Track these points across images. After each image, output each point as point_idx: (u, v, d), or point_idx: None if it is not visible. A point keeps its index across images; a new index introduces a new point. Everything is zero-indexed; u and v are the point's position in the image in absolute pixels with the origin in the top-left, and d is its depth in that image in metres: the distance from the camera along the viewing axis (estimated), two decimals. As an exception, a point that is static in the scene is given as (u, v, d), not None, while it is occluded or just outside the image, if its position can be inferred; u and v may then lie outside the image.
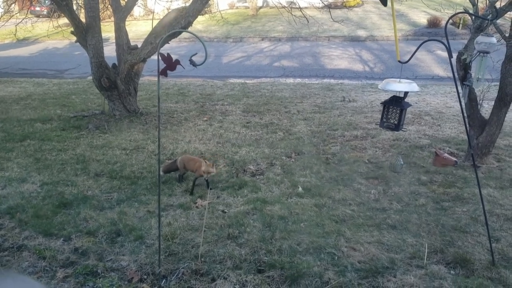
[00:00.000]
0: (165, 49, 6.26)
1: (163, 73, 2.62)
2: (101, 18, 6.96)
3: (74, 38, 6.85)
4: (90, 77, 9.49)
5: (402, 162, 3.85)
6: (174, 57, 2.63)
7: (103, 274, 2.73)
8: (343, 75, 10.65)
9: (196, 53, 2.71)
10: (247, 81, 10.20)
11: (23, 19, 10.01)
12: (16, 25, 9.32)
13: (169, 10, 7.76)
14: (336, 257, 2.89)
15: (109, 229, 3.26)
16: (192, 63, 2.66)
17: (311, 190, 3.95)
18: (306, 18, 8.07)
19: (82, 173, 4.39)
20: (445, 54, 11.70)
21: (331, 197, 3.80)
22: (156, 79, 10.29)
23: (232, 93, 8.62)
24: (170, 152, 5.03)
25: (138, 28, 17.75)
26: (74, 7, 7.72)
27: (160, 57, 2.62)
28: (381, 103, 3.07)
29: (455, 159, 4.58)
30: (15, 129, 6.17)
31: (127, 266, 2.81)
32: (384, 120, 2.91)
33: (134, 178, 4.28)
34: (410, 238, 3.12)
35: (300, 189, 3.97)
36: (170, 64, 2.61)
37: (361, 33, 16.03)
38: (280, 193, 3.92)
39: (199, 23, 17.66)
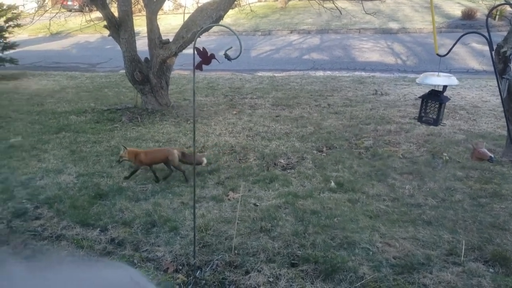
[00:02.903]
0: (197, 42, 6.30)
1: (198, 67, 2.63)
2: (132, 12, 7.04)
3: (105, 32, 6.96)
4: (122, 71, 9.65)
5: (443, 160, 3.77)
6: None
7: (139, 264, 2.79)
8: (374, 68, 10.49)
9: (231, 47, 2.71)
10: (276, 74, 10.17)
11: (56, 14, 10.24)
12: (50, 20, 9.55)
13: (199, 4, 7.79)
14: (371, 253, 2.86)
15: (144, 220, 3.32)
16: (227, 57, 2.66)
17: (344, 185, 3.91)
18: (339, 10, 7.97)
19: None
20: (480, 46, 11.38)
21: (365, 192, 3.76)
22: (186, 73, 10.39)
23: (261, 87, 8.61)
24: (201, 145, 5.08)
25: (168, 22, 17.90)
26: (107, 1, 7.84)
27: (195, 52, 2.63)
28: (419, 97, 3.02)
29: (491, 154, 4.45)
30: (50, 121, 6.34)
31: (163, 257, 2.86)
32: (423, 114, 2.86)
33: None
34: (446, 235, 3.06)
35: (332, 184, 3.94)
36: (205, 58, 2.62)
37: (393, 25, 15.73)
38: (312, 187, 3.90)
39: (228, 17, 17.63)
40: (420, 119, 2.92)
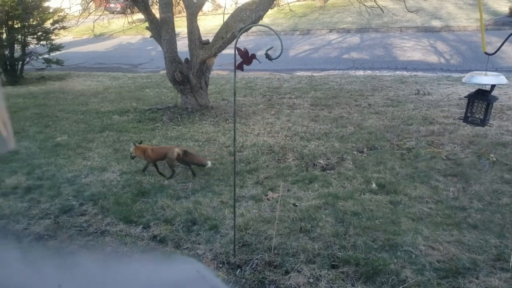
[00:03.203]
0: (234, 43, 6.35)
1: (239, 67, 2.64)
2: (173, 13, 7.16)
3: (147, 33, 7.11)
4: (163, 71, 9.84)
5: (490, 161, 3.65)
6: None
7: (180, 261, 2.84)
8: (416, 67, 10.24)
9: (272, 47, 2.71)
10: (315, 74, 10.10)
11: (100, 16, 10.56)
12: (94, 22, 9.86)
13: (237, 4, 7.84)
14: (414, 256, 2.80)
15: (185, 217, 3.37)
16: (268, 57, 2.66)
17: (386, 187, 3.84)
18: (381, 8, 7.82)
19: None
20: (529, 44, 10.90)
21: (407, 194, 3.68)
22: (224, 73, 10.48)
23: (300, 86, 8.57)
24: (240, 145, 5.10)
25: (207, 23, 18.11)
26: (149, 3, 8.00)
27: (236, 52, 2.64)
28: (465, 97, 2.92)
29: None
30: (94, 120, 6.54)
31: (203, 255, 2.89)
32: (469, 115, 2.77)
33: (207, 168, 4.39)
34: (493, 239, 2.94)
35: (374, 185, 3.87)
36: (246, 59, 2.63)
37: (436, 23, 15.31)
38: (353, 188, 3.85)
39: (266, 16, 17.61)
40: (466, 119, 2.83)
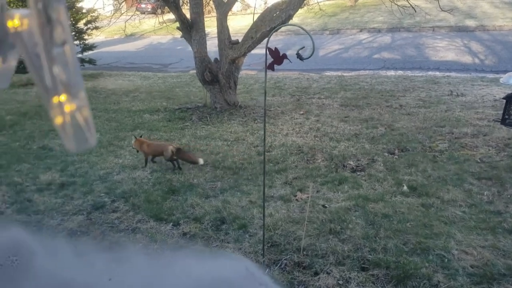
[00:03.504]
0: (263, 43, 6.34)
1: (270, 67, 2.64)
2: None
3: (177, 33, 7.19)
4: (192, 71, 9.93)
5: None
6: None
7: (209, 260, 2.86)
8: (449, 68, 10.00)
9: (303, 47, 2.70)
10: (345, 74, 9.99)
11: (131, 16, 10.74)
12: (125, 22, 10.03)
13: (266, 4, 7.84)
14: (446, 260, 2.73)
15: (214, 216, 3.39)
16: (299, 57, 2.65)
17: (417, 189, 3.77)
18: (413, 8, 7.68)
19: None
20: None
21: (439, 197, 3.60)
22: (253, 72, 10.49)
23: (329, 86, 8.50)
24: (269, 145, 5.10)
25: (236, 23, 18.19)
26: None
27: (267, 52, 2.64)
28: (503, 98, 2.84)
29: None
30: (126, 119, 6.65)
31: (232, 254, 2.91)
32: (506, 116, 2.69)
33: (236, 168, 4.40)
34: (531, 245, 2.85)
35: (405, 187, 3.81)
36: (277, 59, 2.63)
37: (470, 22, 14.93)
38: (383, 190, 3.79)
39: (295, 16, 17.59)
40: (503, 121, 2.75)
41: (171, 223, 3.33)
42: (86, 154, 4.94)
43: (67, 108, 0.44)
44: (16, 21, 0.47)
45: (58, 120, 0.44)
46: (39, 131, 6.06)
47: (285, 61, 2.55)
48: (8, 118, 6.93)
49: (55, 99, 0.43)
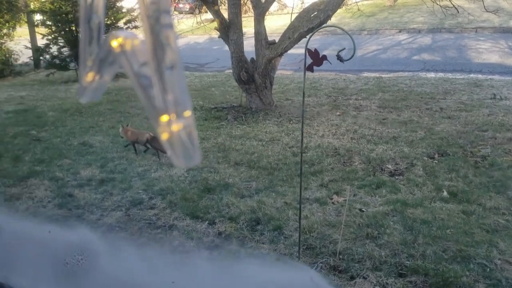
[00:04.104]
0: (300, 43, 6.31)
1: (309, 68, 2.62)
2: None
3: (213, 33, 7.24)
4: (228, 71, 9.99)
5: None
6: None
7: (245, 260, 2.86)
8: (493, 70, 9.66)
9: (344, 48, 2.66)
10: (383, 75, 9.82)
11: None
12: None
13: (303, 4, 7.80)
14: (488, 269, 2.64)
15: (249, 216, 3.39)
16: (340, 58, 2.62)
17: (458, 195, 3.65)
18: (456, 8, 7.47)
19: (223, 161, 4.63)
20: None
21: (481, 204, 3.47)
22: (288, 72, 10.47)
23: (367, 88, 8.37)
24: (304, 146, 5.06)
25: (272, 23, 18.18)
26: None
27: (307, 53, 2.62)
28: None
29: None
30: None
31: (267, 255, 2.90)
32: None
33: (271, 169, 4.39)
34: None
35: (445, 193, 3.70)
36: (317, 60, 2.60)
37: (515, 23, 14.41)
38: (423, 196, 3.70)
39: (333, 16, 17.42)
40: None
41: (207, 222, 3.36)
42: (124, 151, 5.04)
43: (175, 127, 0.47)
44: (121, 41, 0.52)
45: (165, 137, 0.48)
46: (79, 127, 6.23)
47: (329, 63, 2.52)
48: (50, 114, 7.17)
49: (163, 118, 0.47)
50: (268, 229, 3.21)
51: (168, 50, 0.46)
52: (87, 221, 3.39)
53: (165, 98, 0.46)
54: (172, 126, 0.47)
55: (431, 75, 9.71)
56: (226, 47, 7.00)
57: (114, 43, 0.52)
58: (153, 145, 4.88)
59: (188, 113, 0.48)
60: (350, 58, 2.47)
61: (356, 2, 11.22)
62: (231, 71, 7.17)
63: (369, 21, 18.12)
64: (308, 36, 3.50)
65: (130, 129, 5.16)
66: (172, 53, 0.47)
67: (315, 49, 2.55)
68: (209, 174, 4.30)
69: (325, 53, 2.62)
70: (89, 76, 0.56)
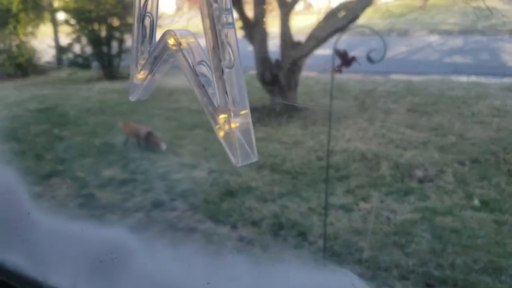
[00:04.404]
0: (327, 44, 6.21)
1: (338, 70, 2.54)
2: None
3: (238, 33, 7.21)
4: (251, 71, 9.94)
5: None
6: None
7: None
8: (527, 74, 9.37)
9: (374, 49, 2.57)
10: (412, 78, 9.61)
11: (193, 15, 10.97)
12: (187, 21, 10.24)
13: (330, 3, 7.68)
14: (522, 282, 2.52)
15: (272, 221, 3.32)
16: (370, 59, 2.52)
17: (489, 204, 3.50)
18: (490, 9, 7.21)
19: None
20: None
21: (515, 214, 3.33)
22: (314, 74, 10.34)
23: (395, 90, 8.19)
24: (330, 150, 4.96)
25: (298, 23, 18.07)
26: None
27: (335, 54, 2.53)
28: None
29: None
30: (185, 118, 6.73)
31: (291, 261, 2.83)
32: None
33: (294, 173, 4.30)
34: None
35: (476, 201, 3.56)
36: (346, 61, 2.53)
37: (551, 25, 13.94)
38: (452, 204, 3.56)
39: (361, 16, 17.23)
40: None
41: (229, 225, 3.31)
42: (146, 152, 5.03)
43: (232, 125, 0.49)
44: (178, 39, 0.53)
45: (223, 135, 0.50)
46: (101, 127, 6.27)
47: (358, 64, 2.44)
48: (72, 114, 7.24)
49: (221, 116, 0.49)
50: (291, 234, 3.15)
51: (228, 48, 0.48)
52: (108, 221, 3.38)
53: (224, 97, 0.48)
54: (229, 124, 0.48)
55: (463, 78, 9.44)
56: (250, 47, 6.94)
57: (171, 41, 0.53)
58: (151, 140, 5.00)
59: (245, 111, 0.49)
60: (380, 60, 2.38)
61: (385, 2, 11.02)
62: (254, 71, 7.11)
63: (398, 21, 17.77)
64: (336, 37, 3.41)
65: (131, 123, 5.42)
66: (232, 52, 0.48)
67: (344, 50, 2.47)
68: (230, 177, 4.24)
69: (353, 53, 2.54)
70: (141, 74, 0.58)
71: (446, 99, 7.33)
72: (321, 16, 7.38)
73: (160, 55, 0.56)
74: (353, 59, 2.53)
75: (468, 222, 3.23)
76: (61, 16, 13.80)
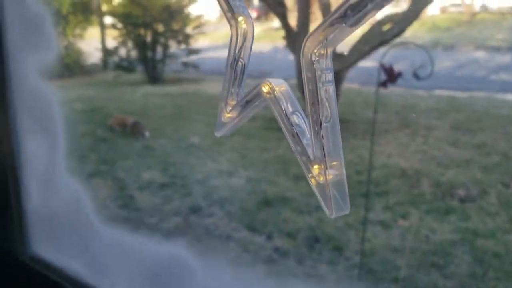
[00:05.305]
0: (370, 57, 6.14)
1: (383, 85, 2.52)
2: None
3: (278, 42, 7.22)
4: (291, 81, 9.93)
5: None
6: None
7: (302, 279, 2.78)
8: None
9: (421, 66, 2.54)
10: (457, 94, 9.36)
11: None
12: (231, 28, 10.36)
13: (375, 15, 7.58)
14: None
15: (307, 233, 3.31)
16: (416, 76, 2.49)
17: (536, 229, 3.38)
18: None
19: (282, 174, 4.56)
20: None
21: None
22: (355, 85, 10.23)
23: (438, 106, 8.00)
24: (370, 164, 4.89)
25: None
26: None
27: (381, 68, 2.51)
28: None
29: None
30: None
31: (325, 275, 2.81)
32: None
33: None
34: None
35: (521, 225, 3.43)
36: (391, 76, 2.50)
37: None
38: (495, 226, 3.44)
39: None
40: None
41: (264, 235, 3.31)
42: (186, 156, 5.12)
43: (326, 177, 0.49)
44: (273, 88, 0.56)
45: (315, 184, 0.50)
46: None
47: (403, 80, 2.41)
48: (115, 115, 7.45)
49: (316, 167, 0.50)
50: (327, 248, 3.12)
51: (326, 104, 0.50)
52: (146, 225, 3.46)
53: (320, 149, 0.50)
54: (325, 176, 0.49)
55: (509, 96, 9.12)
56: (291, 56, 6.95)
57: (265, 89, 0.56)
58: (136, 129, 5.58)
59: (338, 162, 0.50)
60: (427, 77, 2.35)
61: (431, 15, 10.80)
62: (294, 81, 7.10)
63: (444, 35, 17.35)
64: (381, 51, 3.39)
65: (120, 116, 6.06)
66: (330, 107, 0.50)
67: (390, 65, 2.44)
68: (267, 186, 4.25)
69: (397, 67, 2.52)
70: (230, 114, 0.63)
71: (491, 117, 7.09)
72: (365, 26, 7.30)
73: (253, 100, 0.61)
74: (399, 74, 2.50)
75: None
76: (108, 20, 14.34)
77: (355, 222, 3.42)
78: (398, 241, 3.21)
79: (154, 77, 12.19)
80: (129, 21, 12.05)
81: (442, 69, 12.26)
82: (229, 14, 0.65)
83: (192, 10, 13.13)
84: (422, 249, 3.09)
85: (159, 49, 12.36)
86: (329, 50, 0.52)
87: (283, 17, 7.01)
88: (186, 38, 12.71)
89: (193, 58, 12.65)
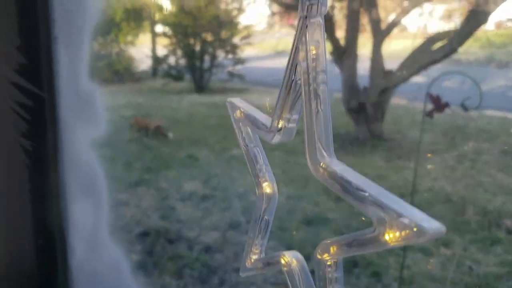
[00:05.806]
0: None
1: (430, 114, 2.48)
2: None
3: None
4: (336, 95, 9.87)
5: None
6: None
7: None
8: None
9: (470, 97, 2.47)
10: (509, 115, 8.99)
11: (284, 33, 11.08)
12: (278, 38, 10.41)
13: (425, 28, 7.44)
14: None
15: (346, 257, 3.24)
16: (464, 107, 2.44)
17: None
18: None
19: (324, 192, 4.53)
20: None
21: None
22: (403, 102, 9.99)
23: (489, 128, 7.70)
24: (413, 187, 4.77)
25: (389, 46, 17.63)
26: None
27: (428, 97, 2.47)
28: None
29: None
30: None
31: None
32: None
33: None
34: None
35: None
36: (438, 106, 2.46)
37: None
38: (546, 261, 3.27)
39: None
40: None
41: (303, 256, 3.29)
42: (228, 169, 5.17)
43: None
44: (289, 261, 0.64)
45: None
46: (188, 139, 6.53)
47: (449, 109, 2.37)
48: (162, 123, 7.64)
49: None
50: (365, 274, 3.06)
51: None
52: (185, 238, 3.52)
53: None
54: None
55: None
56: (336, 69, 6.89)
57: (283, 261, 0.62)
58: (160, 131, 6.16)
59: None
60: (476, 108, 2.29)
61: (485, 31, 10.45)
62: (340, 95, 7.04)
63: (499, 52, 16.72)
64: (431, 80, 3.30)
65: (141, 118, 6.58)
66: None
67: (437, 96, 2.40)
68: (308, 205, 4.24)
69: (444, 85, 2.47)
70: (253, 264, 0.69)
71: (546, 143, 6.77)
72: (415, 42, 7.16)
73: (272, 264, 0.68)
74: (446, 105, 2.45)
75: None
76: (159, 28, 14.78)
77: (396, 248, 3.35)
78: (439, 270, 3.11)
79: (201, 86, 12.45)
80: (179, 30, 12.40)
81: (495, 88, 11.82)
82: (256, 179, 0.71)
83: (241, 20, 13.34)
84: (464, 281, 2.97)
85: (207, 58, 12.65)
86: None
87: (331, 31, 7.00)
88: (234, 48, 12.92)
89: (239, 67, 12.85)
